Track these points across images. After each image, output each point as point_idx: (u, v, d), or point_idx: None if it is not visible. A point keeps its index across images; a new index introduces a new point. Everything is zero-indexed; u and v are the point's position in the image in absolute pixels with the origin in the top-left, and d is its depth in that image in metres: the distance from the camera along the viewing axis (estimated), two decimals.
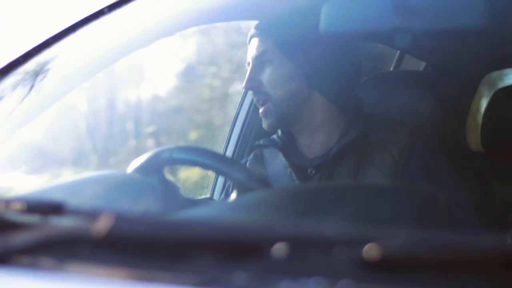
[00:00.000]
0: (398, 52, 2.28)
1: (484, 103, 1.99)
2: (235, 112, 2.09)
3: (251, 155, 1.62)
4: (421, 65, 2.25)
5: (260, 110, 1.50)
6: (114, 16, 1.40)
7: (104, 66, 1.56)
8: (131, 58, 1.61)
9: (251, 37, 1.53)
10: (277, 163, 1.55)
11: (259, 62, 1.49)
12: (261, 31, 1.50)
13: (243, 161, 1.66)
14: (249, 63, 1.52)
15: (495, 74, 2.19)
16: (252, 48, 1.51)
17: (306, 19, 1.47)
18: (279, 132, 1.55)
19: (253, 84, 1.49)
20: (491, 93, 1.97)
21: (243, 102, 2.09)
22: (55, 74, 1.44)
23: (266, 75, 1.49)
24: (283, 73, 1.48)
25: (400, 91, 1.71)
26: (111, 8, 1.39)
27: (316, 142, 1.52)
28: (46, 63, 1.36)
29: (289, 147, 1.53)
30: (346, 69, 1.51)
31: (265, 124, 1.51)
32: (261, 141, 1.58)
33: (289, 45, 1.48)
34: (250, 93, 2.04)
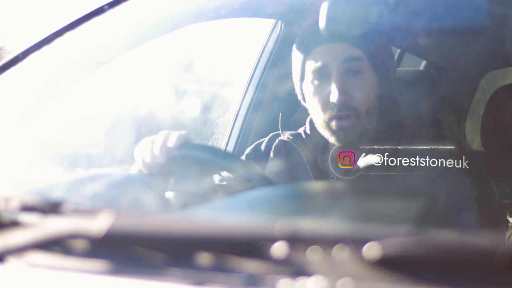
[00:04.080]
0: (398, 50, 2.28)
1: (484, 102, 1.98)
2: (235, 110, 2.08)
3: (275, 144, 1.51)
4: (421, 64, 2.25)
5: (335, 123, 1.33)
6: (115, 13, 1.40)
7: (103, 63, 1.56)
8: (131, 55, 1.61)
9: (312, 42, 1.37)
10: (298, 159, 1.47)
11: (345, 71, 1.33)
12: (352, 39, 1.33)
13: (263, 149, 1.56)
14: (319, 72, 1.35)
15: (495, 72, 2.19)
16: (330, 55, 1.34)
17: (384, 27, 1.39)
18: (307, 129, 1.48)
19: (345, 98, 1.31)
20: (491, 92, 1.97)
21: (243, 100, 2.08)
22: (55, 71, 1.44)
23: (355, 87, 1.33)
24: (372, 87, 1.35)
25: (400, 90, 1.71)
26: (111, 5, 1.38)
27: None
28: (46, 60, 1.36)
29: (315, 147, 1.46)
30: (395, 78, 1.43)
31: (341, 138, 1.34)
32: (287, 137, 1.47)
33: (377, 57, 1.36)
34: (249, 91, 2.02)
